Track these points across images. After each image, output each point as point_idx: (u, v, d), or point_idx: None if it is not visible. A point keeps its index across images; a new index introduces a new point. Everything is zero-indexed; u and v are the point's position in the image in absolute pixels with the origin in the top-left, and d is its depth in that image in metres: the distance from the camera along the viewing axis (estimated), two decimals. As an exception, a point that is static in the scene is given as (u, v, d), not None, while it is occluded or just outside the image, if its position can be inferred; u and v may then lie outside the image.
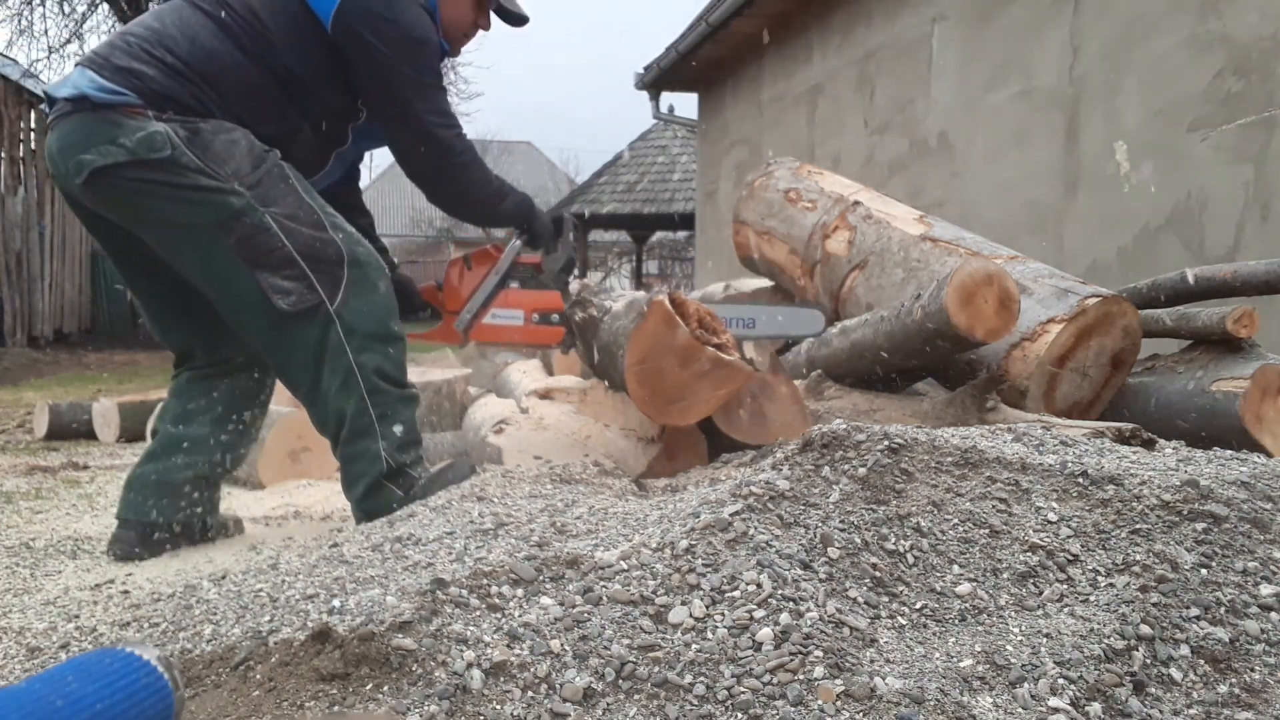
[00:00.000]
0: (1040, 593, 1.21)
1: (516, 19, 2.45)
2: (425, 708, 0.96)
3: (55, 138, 1.98)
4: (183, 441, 2.17)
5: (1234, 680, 1.04)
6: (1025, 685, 1.01)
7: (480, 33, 2.41)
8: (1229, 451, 1.68)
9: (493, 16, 2.40)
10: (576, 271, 2.67)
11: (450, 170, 2.17)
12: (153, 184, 1.91)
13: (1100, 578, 1.21)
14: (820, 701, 0.97)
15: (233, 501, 2.76)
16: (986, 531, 1.30)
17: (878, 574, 1.21)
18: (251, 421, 2.32)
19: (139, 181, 1.92)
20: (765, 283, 3.85)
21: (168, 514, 2.13)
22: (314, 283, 1.98)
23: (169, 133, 1.91)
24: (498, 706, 0.97)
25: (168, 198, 1.92)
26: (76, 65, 2.01)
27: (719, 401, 2.14)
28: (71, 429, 4.58)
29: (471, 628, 1.09)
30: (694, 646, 1.06)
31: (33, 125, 11.34)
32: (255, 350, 2.17)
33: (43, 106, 2.21)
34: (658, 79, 9.61)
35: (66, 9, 12.99)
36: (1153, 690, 1.02)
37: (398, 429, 2.05)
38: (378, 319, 2.05)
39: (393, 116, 2.16)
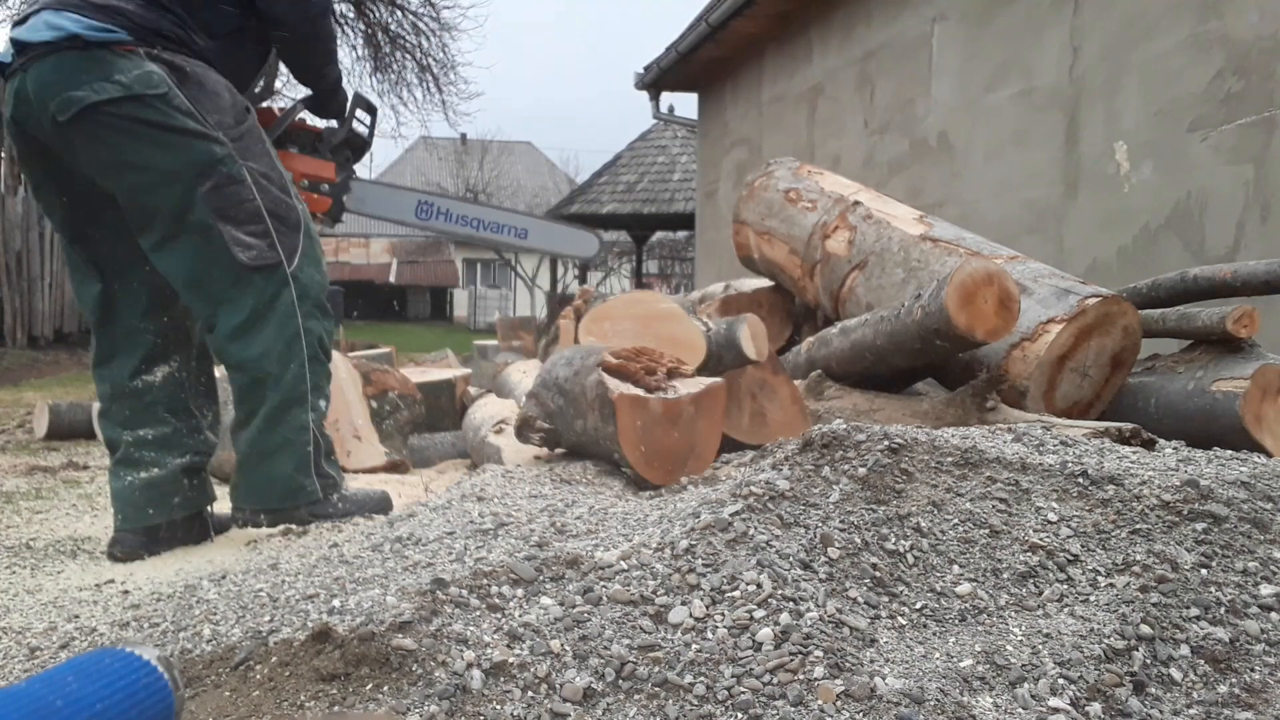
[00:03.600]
0: (1040, 593, 1.21)
1: None
2: (425, 708, 0.96)
3: (33, 78, 1.92)
4: (148, 443, 2.13)
5: (1234, 680, 1.04)
6: (1025, 685, 1.01)
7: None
8: (1229, 451, 1.68)
9: None
10: (370, 156, 2.73)
11: (307, 7, 2.16)
12: (143, 123, 1.91)
13: (1100, 578, 1.21)
14: (820, 701, 0.97)
15: (233, 501, 2.76)
16: (986, 531, 1.30)
17: (878, 574, 1.21)
18: (208, 391, 2.26)
19: (130, 119, 1.90)
20: (765, 282, 3.86)
21: (165, 513, 2.12)
22: (275, 242, 2.03)
23: (164, 73, 1.93)
24: (498, 706, 0.97)
25: (152, 140, 1.92)
26: (39, 11, 1.94)
27: (721, 420, 2.12)
28: (71, 429, 4.58)
29: (471, 628, 1.09)
30: (694, 646, 1.06)
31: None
32: (197, 311, 2.11)
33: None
34: (658, 79, 9.60)
35: (66, 9, 12.99)
36: (1153, 690, 1.02)
37: (322, 404, 2.11)
38: (322, 291, 2.13)
39: None
